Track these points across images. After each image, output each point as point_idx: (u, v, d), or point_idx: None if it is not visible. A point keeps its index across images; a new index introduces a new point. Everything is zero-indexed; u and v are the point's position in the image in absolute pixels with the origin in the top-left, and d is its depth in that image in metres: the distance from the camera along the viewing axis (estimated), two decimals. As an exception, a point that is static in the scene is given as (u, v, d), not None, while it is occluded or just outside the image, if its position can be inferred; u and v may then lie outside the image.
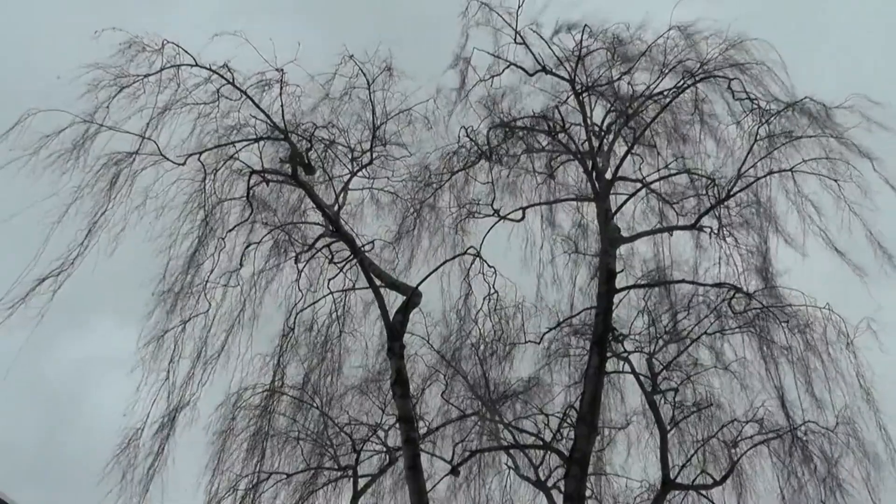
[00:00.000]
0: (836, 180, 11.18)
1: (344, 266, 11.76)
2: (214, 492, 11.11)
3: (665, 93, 12.07)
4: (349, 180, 11.91)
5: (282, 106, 10.98)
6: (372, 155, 11.86)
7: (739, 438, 11.62)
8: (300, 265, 11.71)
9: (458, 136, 12.34)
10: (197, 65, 10.79)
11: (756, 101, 11.69)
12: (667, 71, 12.03)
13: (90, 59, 10.33)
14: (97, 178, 10.50)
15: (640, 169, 12.47)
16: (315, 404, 11.88)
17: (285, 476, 11.75)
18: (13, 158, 9.90)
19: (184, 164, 10.88)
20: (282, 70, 10.86)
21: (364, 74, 11.47)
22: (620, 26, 12.29)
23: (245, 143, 11.22)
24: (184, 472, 10.94)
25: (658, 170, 12.42)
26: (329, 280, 11.83)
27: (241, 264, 11.24)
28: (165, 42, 10.62)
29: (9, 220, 9.40)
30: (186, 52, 10.70)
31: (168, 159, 10.82)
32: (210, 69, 10.77)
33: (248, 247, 11.39)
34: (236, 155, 11.20)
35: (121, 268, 11.04)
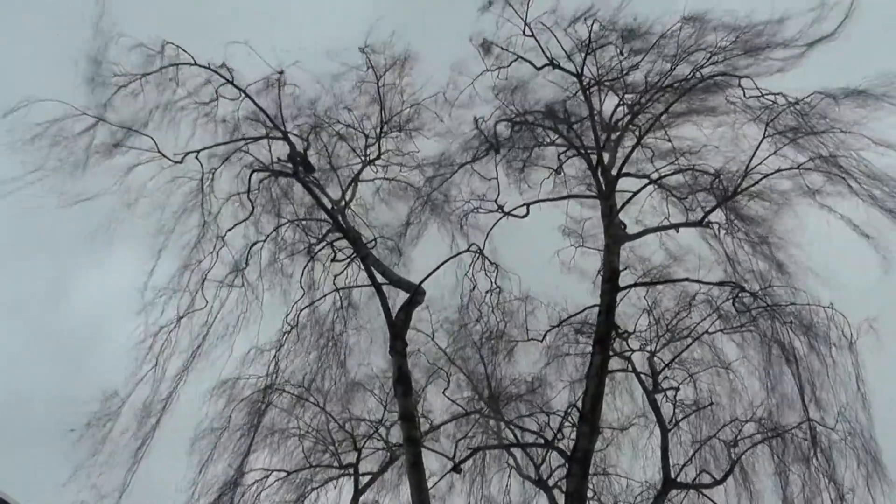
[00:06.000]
0: (843, 177, 11.00)
1: (349, 263, 11.63)
2: (206, 487, 11.05)
3: (675, 86, 11.79)
4: (358, 173, 11.77)
5: (279, 106, 10.84)
6: (380, 148, 11.69)
7: (740, 437, 11.61)
8: (312, 254, 11.65)
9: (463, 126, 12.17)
10: (196, 64, 10.64)
11: (765, 98, 11.45)
12: (676, 64, 11.75)
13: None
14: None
15: (652, 161, 12.26)
16: (315, 401, 11.80)
17: (285, 474, 11.73)
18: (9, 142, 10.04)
19: (181, 161, 10.79)
20: (281, 72, 10.74)
21: (373, 69, 11.31)
22: (633, 18, 11.99)
23: (243, 142, 11.09)
24: (178, 466, 10.96)
25: (673, 162, 12.18)
26: (335, 276, 11.73)
27: (246, 262, 11.13)
28: (165, 43, 10.52)
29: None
30: (185, 51, 10.59)
31: (165, 156, 10.74)
32: (209, 68, 10.63)
33: (254, 244, 11.31)
34: (241, 150, 11.07)
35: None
